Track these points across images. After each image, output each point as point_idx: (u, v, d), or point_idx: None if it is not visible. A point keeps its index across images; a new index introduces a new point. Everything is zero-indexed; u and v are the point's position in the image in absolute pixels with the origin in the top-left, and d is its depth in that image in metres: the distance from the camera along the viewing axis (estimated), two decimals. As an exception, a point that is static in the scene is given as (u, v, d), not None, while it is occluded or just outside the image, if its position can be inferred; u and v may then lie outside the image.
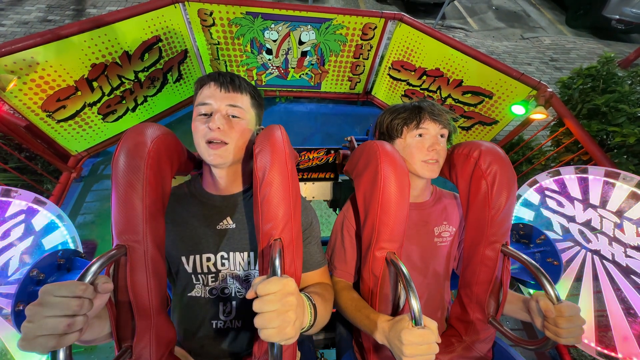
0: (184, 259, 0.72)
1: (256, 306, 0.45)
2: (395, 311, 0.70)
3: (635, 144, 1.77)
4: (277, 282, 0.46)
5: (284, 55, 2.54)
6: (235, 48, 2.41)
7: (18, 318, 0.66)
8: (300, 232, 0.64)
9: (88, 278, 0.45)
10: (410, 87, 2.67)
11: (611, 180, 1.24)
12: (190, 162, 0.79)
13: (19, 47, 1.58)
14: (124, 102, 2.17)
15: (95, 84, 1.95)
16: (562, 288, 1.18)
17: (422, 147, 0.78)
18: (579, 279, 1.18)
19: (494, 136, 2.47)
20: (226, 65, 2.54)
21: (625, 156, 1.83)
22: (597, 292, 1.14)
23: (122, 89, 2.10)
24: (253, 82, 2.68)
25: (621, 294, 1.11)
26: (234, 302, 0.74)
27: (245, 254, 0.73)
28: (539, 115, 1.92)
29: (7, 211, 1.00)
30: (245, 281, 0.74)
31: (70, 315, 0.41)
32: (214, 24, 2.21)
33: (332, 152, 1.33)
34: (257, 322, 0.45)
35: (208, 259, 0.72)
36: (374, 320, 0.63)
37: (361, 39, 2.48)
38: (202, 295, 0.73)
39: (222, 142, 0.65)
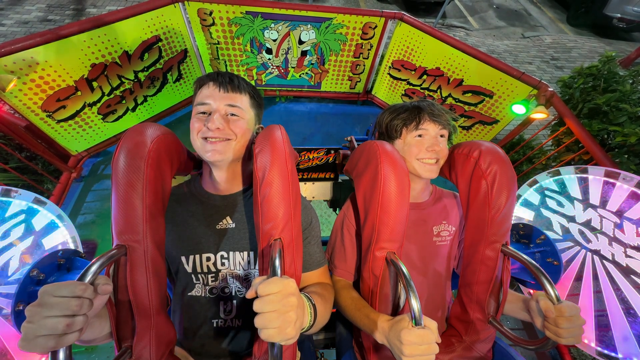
0: (183, 258, 0.72)
1: (257, 306, 0.45)
2: (395, 311, 0.70)
3: (636, 143, 1.77)
4: (278, 283, 0.46)
5: (284, 55, 2.54)
6: (235, 47, 2.41)
7: (18, 318, 0.66)
8: (300, 232, 0.64)
9: (88, 278, 0.45)
10: (411, 87, 2.66)
11: (611, 180, 1.23)
12: (190, 162, 0.79)
13: (19, 47, 1.58)
14: (123, 102, 2.17)
15: (95, 84, 1.95)
16: (562, 288, 1.18)
17: (421, 147, 0.78)
18: (579, 279, 1.18)
19: (495, 135, 2.47)
20: (226, 65, 2.54)
21: (626, 156, 1.82)
22: (597, 292, 1.14)
23: (122, 88, 2.10)
24: (253, 82, 2.68)
25: (621, 294, 1.11)
26: (234, 301, 0.74)
27: (245, 253, 0.73)
28: (540, 114, 1.92)
29: (7, 211, 1.00)
30: (246, 280, 0.74)
31: (70, 315, 0.41)
32: (213, 24, 2.21)
33: (332, 152, 1.33)
34: (258, 322, 0.44)
35: (208, 259, 0.72)
36: (374, 319, 0.63)
37: (361, 38, 2.48)
38: (203, 295, 0.73)
39: (222, 139, 0.65)
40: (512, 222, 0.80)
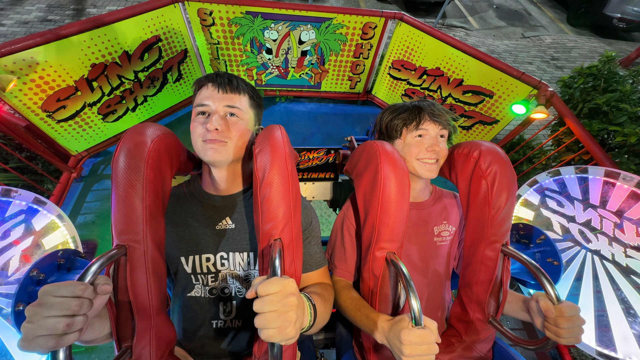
0: (183, 259, 0.72)
1: (256, 306, 0.45)
2: (395, 311, 0.70)
3: (637, 143, 1.77)
4: (278, 283, 0.46)
5: (284, 55, 2.53)
6: (235, 48, 2.41)
7: (18, 318, 0.66)
8: (300, 232, 0.64)
9: (88, 278, 0.45)
10: (411, 87, 2.66)
11: (611, 180, 1.23)
12: (190, 162, 0.79)
13: (19, 47, 1.58)
14: (123, 102, 2.17)
15: (95, 84, 1.95)
16: (562, 288, 1.18)
17: (421, 147, 0.78)
18: (579, 279, 1.18)
19: (495, 135, 2.47)
20: (226, 65, 2.54)
21: (626, 156, 1.82)
22: (597, 292, 1.14)
23: (122, 88, 2.10)
24: (253, 82, 2.68)
25: (621, 294, 1.11)
26: (234, 302, 0.74)
27: (245, 254, 0.73)
28: (540, 114, 1.92)
29: (7, 211, 1.00)
30: (246, 280, 0.74)
31: (70, 315, 0.41)
32: (213, 24, 2.21)
33: (332, 152, 1.32)
34: (258, 322, 0.44)
35: (207, 259, 0.72)
36: (374, 319, 0.63)
37: (361, 39, 2.48)
38: (202, 295, 0.73)
39: (220, 141, 0.65)
40: (512, 222, 0.80)
